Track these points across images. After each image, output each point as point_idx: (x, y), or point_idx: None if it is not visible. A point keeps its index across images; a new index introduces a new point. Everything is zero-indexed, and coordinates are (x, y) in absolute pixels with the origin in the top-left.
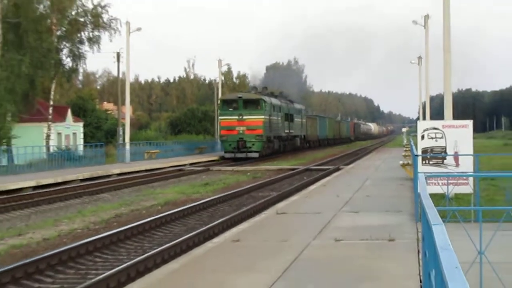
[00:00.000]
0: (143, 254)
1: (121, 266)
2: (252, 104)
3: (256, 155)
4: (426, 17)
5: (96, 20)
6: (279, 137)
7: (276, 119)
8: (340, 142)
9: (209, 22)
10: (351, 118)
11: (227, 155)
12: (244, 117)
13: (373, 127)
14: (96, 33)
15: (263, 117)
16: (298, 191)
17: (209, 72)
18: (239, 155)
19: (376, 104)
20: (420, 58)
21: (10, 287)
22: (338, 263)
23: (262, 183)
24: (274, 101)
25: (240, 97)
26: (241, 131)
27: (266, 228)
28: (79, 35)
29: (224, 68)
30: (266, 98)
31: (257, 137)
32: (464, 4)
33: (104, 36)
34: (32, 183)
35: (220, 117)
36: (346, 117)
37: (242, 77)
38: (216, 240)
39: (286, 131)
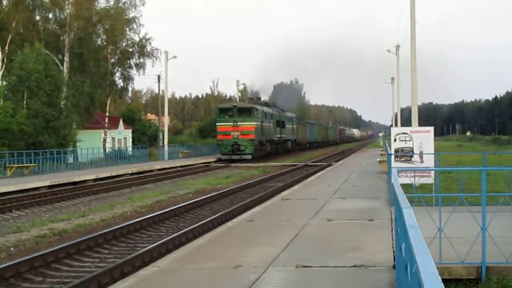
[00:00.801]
0: (178, 231)
1: (161, 241)
2: (245, 112)
3: (249, 157)
4: (397, 47)
5: (142, 50)
6: (271, 140)
7: (268, 125)
8: (328, 144)
9: (229, 52)
10: (339, 125)
11: (223, 157)
12: (238, 123)
13: (356, 132)
14: (141, 60)
15: (255, 123)
16: (299, 182)
17: (229, 90)
18: (234, 157)
19: (359, 114)
20: (393, 78)
21: (76, 257)
22: (329, 238)
23: (270, 176)
24: (266, 109)
25: (234, 105)
26: (235, 136)
27: (273, 211)
28: (128, 62)
29: (241, 87)
30: (258, 107)
31: (250, 141)
32: (429, 33)
33: (148, 62)
34: (93, 177)
35: (217, 124)
36: (336, 124)
37: (255, 94)
38: (235, 220)
39: (278, 135)
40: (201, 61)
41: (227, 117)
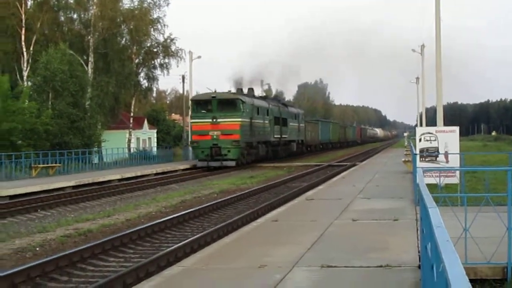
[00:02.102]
0: (203, 231)
1: (186, 241)
2: (228, 105)
3: (232, 163)
4: (422, 46)
5: (166, 50)
6: (266, 142)
7: (262, 123)
8: (346, 145)
9: (252, 52)
10: (364, 125)
11: (200, 164)
12: (219, 120)
13: (379, 131)
14: (166, 60)
15: (240, 120)
16: (323, 182)
17: (255, 90)
18: (212, 163)
19: (383, 114)
20: (417, 78)
21: (101, 257)
22: (354, 237)
23: (294, 176)
24: (258, 102)
25: (213, 96)
26: (215, 136)
27: (298, 211)
28: (153, 62)
29: (266, 87)
30: (246, 98)
31: (234, 143)
32: (455, 31)
33: (173, 62)
34: (118, 177)
35: (191, 120)
36: (360, 124)
37: (280, 94)
38: (259, 220)
39: (277, 136)
40: (225, 61)
41: (204, 111)
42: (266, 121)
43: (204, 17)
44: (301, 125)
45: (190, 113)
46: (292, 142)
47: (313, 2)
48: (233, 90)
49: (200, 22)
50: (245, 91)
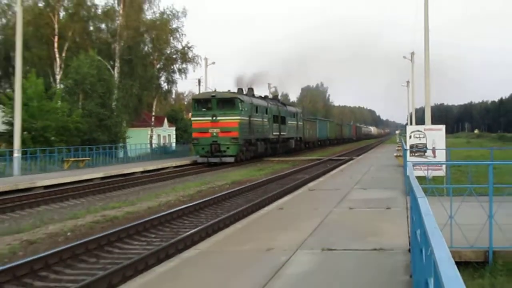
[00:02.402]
0: (217, 218)
1: (202, 226)
2: (227, 104)
3: (231, 159)
4: (412, 54)
5: (184, 56)
6: (265, 139)
7: (261, 121)
8: (343, 142)
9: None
10: (359, 124)
11: (200, 160)
12: (218, 118)
13: (373, 129)
14: (184, 65)
15: (239, 118)
16: (324, 174)
17: (262, 93)
18: (212, 159)
19: (377, 114)
20: (408, 82)
21: (126, 241)
22: (351, 224)
23: (298, 169)
24: (257, 101)
25: (213, 95)
26: (214, 134)
27: (301, 200)
28: (172, 67)
29: (273, 89)
30: (244, 97)
31: (232, 140)
32: (443, 35)
33: (190, 67)
34: (140, 169)
35: (192, 118)
36: (356, 123)
37: (285, 96)
38: (267, 208)
39: (275, 133)
40: (238, 66)
41: (204, 110)
42: (265, 119)
43: (215, 27)
44: (299, 123)
45: (192, 111)
46: (291, 139)
47: (316, 11)
48: (235, 89)
49: (211, 30)
50: (246, 90)
